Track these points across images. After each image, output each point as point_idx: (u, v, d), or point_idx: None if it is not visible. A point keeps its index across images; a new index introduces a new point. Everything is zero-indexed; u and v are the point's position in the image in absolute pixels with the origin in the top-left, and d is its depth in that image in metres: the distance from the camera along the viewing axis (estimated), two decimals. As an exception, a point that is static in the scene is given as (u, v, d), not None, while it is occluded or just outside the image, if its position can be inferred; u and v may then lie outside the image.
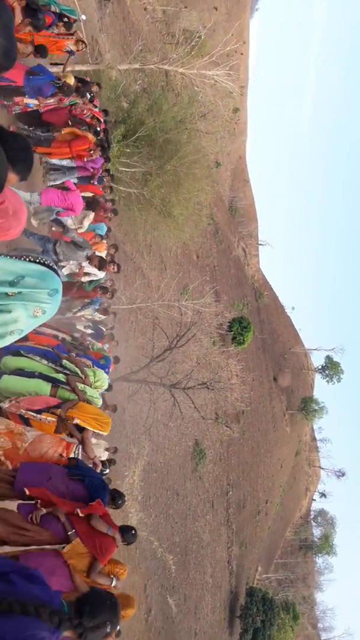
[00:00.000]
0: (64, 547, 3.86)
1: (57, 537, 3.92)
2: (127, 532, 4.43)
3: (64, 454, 4.67)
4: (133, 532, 4.50)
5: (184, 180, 15.05)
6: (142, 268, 22.47)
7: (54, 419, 4.79)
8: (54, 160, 8.16)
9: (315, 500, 59.86)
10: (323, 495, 59.79)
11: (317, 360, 59.29)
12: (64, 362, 5.42)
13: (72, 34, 8.00)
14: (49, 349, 5.61)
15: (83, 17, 11.18)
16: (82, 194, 8.07)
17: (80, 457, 4.88)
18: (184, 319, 18.81)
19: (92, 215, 8.10)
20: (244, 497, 35.30)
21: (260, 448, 38.75)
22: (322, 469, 58.74)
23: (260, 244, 51.63)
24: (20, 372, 5.10)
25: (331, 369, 55.78)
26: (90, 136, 8.22)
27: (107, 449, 7.72)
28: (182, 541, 25.37)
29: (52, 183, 8.04)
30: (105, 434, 5.31)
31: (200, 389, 18.98)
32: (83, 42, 8.38)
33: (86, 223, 7.98)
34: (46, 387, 5.05)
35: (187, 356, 20.14)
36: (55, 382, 5.14)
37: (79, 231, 7.77)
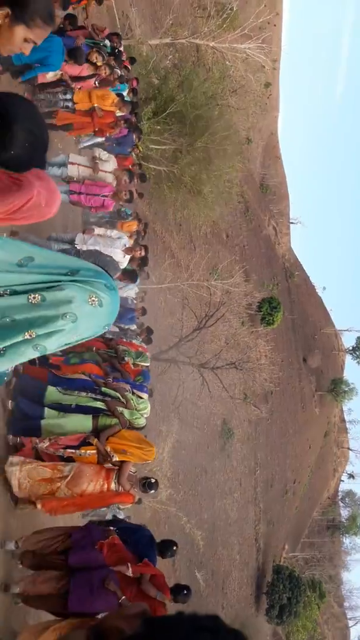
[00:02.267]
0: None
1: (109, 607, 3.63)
2: (179, 593, 4.16)
3: (105, 485, 4.47)
4: (185, 591, 4.22)
5: (215, 157, 14.86)
6: (171, 247, 22.42)
7: (94, 452, 4.60)
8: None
9: (343, 481, 59.70)
10: (351, 476, 59.53)
11: (348, 341, 58.49)
12: (103, 389, 5.17)
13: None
14: (87, 377, 5.30)
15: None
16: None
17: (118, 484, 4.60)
18: (213, 299, 18.75)
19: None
20: (271, 476, 35.45)
21: (288, 428, 38.70)
22: (351, 450, 58.36)
23: (292, 223, 50.74)
24: (58, 406, 4.88)
25: (362, 349, 55.00)
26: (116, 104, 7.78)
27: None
28: (210, 518, 25.73)
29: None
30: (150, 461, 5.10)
31: (229, 369, 19.00)
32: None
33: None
34: (87, 422, 4.80)
35: (215, 336, 20.12)
36: (95, 412, 4.91)
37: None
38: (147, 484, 4.97)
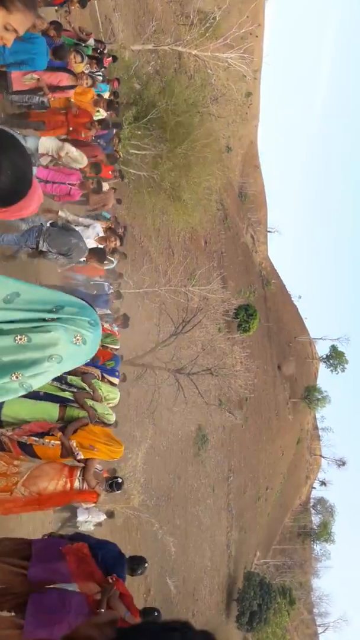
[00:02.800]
0: None
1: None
2: (149, 615, 3.99)
3: (68, 484, 4.17)
4: (156, 613, 4.06)
5: (195, 164, 14.94)
6: (149, 252, 22.41)
7: (58, 442, 4.30)
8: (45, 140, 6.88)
9: (315, 488, 60.31)
10: (323, 483, 60.22)
11: (322, 349, 59.30)
12: (70, 378, 4.93)
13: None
14: None
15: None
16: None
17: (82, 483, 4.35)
18: (191, 304, 18.80)
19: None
20: (244, 482, 35.58)
21: (262, 435, 38.94)
22: (323, 457, 59.05)
23: (269, 231, 51.31)
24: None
25: (336, 358, 55.79)
26: (92, 105, 7.49)
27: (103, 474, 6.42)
28: (183, 524, 25.67)
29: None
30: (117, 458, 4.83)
31: (205, 374, 19.05)
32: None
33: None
34: (54, 410, 4.54)
35: (192, 342, 20.15)
36: (62, 402, 4.66)
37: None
38: (114, 484, 4.78)
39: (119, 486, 4.82)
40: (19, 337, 1.87)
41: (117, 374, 5.89)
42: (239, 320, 31.60)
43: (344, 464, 58.69)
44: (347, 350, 55.51)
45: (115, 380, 5.74)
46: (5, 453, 4.22)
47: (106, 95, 9.09)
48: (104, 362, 5.91)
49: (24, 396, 4.30)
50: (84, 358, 2.07)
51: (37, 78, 6.40)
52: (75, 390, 4.82)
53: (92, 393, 4.94)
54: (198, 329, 19.02)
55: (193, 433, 27.07)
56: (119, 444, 4.62)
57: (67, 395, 4.71)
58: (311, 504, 59.67)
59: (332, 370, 56.63)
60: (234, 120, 27.93)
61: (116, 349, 6.80)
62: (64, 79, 6.83)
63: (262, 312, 39.21)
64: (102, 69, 9.09)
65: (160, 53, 18.09)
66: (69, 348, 1.95)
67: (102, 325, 6.70)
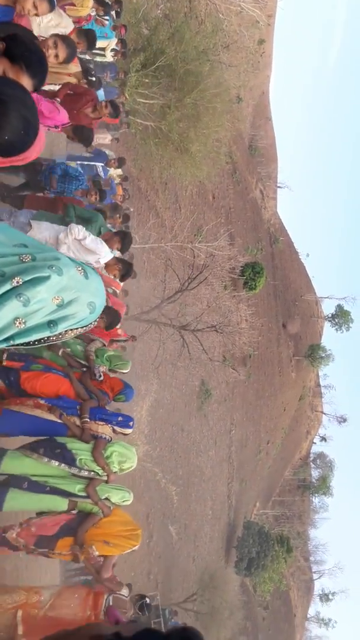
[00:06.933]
0: None
1: None
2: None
3: (92, 617, 3.73)
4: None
5: (204, 114, 14.52)
6: (156, 207, 22.12)
7: (69, 553, 3.92)
8: None
9: (315, 443, 61.53)
10: (323, 439, 61.41)
11: (328, 308, 59.16)
12: (79, 459, 4.04)
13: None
14: (54, 408, 4.12)
15: None
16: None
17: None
18: (197, 261, 18.69)
19: None
20: (246, 436, 36.38)
21: (264, 391, 39.50)
22: (324, 414, 59.97)
23: (279, 187, 50.22)
24: (27, 485, 3.98)
25: (341, 317, 55.75)
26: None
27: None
28: (185, 474, 26.46)
29: None
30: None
31: (210, 331, 19.16)
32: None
33: None
34: (62, 503, 4.04)
35: (197, 299, 20.18)
36: (71, 496, 4.07)
37: None
38: (143, 606, 4.39)
39: (149, 607, 4.49)
40: (24, 255, 1.89)
41: (130, 421, 4.56)
42: (245, 278, 31.42)
43: (344, 420, 59.69)
44: (353, 309, 55.18)
45: (128, 431, 4.59)
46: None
47: (113, 43, 8.75)
48: (114, 397, 4.86)
49: (29, 491, 3.89)
50: (86, 296, 2.01)
51: None
52: (86, 475, 4.08)
53: (107, 477, 4.16)
54: (204, 286, 18.99)
55: (197, 387, 27.51)
56: (136, 529, 4.21)
57: (78, 489, 4.04)
58: (311, 458, 61.08)
59: (337, 329, 56.74)
60: (246, 69, 26.93)
61: (124, 373, 5.62)
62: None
63: (269, 270, 38.96)
64: (110, 14, 8.69)
65: (170, -5, 17.30)
66: (70, 269, 1.91)
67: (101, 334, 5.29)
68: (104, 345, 5.18)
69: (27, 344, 1.96)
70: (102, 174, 8.87)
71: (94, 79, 7.13)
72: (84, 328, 2.12)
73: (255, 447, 38.75)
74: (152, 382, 21.19)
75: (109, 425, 4.32)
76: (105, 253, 4.95)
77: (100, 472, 4.08)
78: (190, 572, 26.25)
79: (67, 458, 3.99)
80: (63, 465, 3.98)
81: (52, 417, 4.06)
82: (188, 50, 13.92)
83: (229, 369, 28.36)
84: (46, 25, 4.67)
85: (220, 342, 24.65)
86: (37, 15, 3.75)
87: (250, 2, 17.16)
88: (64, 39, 4.19)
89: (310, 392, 55.53)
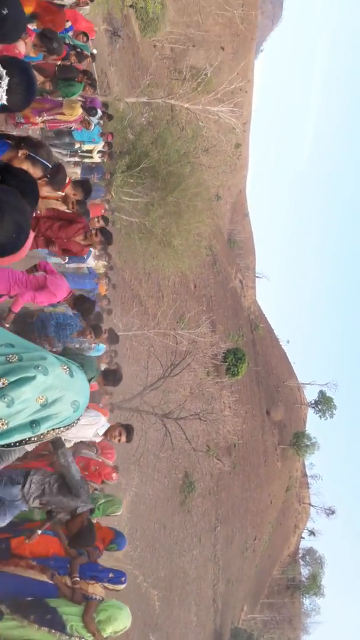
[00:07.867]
0: None
1: None
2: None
3: None
4: None
5: (185, 211, 15.26)
6: (139, 295, 22.55)
7: None
8: None
9: (304, 538, 58.75)
10: (312, 533, 58.68)
11: (311, 394, 58.93)
12: (70, 625, 3.93)
13: (79, 68, 7.98)
14: (49, 579, 4.05)
15: (94, 51, 11.50)
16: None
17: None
18: (179, 347, 18.79)
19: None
20: (232, 532, 34.60)
21: (250, 483, 38.19)
22: (312, 506, 57.83)
23: (257, 277, 52.05)
24: None
25: (324, 403, 55.44)
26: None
27: None
28: (168, 576, 24.73)
29: None
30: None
31: (193, 419, 18.82)
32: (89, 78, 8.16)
33: None
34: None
35: (180, 385, 20.03)
36: None
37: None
38: None
39: None
40: (10, 355, 1.94)
41: (122, 577, 4.41)
42: (227, 364, 31.52)
43: (333, 512, 57.44)
44: (335, 396, 54.99)
45: (121, 587, 4.43)
46: None
47: (100, 146, 9.39)
48: (105, 547, 4.69)
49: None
50: (71, 395, 2.03)
51: None
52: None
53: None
54: (187, 372, 18.94)
55: (180, 480, 26.48)
56: None
57: None
58: (300, 555, 58.03)
59: (320, 416, 56.19)
60: (224, 170, 28.78)
61: (117, 515, 5.50)
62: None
63: (251, 356, 39.21)
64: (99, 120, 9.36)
65: (153, 106, 18.75)
66: (56, 368, 1.97)
67: (91, 457, 5.50)
68: (96, 490, 5.21)
69: (9, 445, 1.94)
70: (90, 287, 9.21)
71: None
72: (67, 427, 2.12)
73: (242, 544, 36.76)
74: (133, 475, 20.38)
75: (100, 583, 4.24)
76: (101, 422, 5.07)
77: (90, 639, 4.00)
78: None
79: (58, 624, 3.91)
80: (53, 631, 3.92)
81: (43, 578, 4.03)
82: (170, 154, 14.89)
83: (214, 459, 27.55)
84: None
85: (203, 431, 24.12)
86: None
87: (228, 112, 18.66)
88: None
89: (297, 483, 53.90)
